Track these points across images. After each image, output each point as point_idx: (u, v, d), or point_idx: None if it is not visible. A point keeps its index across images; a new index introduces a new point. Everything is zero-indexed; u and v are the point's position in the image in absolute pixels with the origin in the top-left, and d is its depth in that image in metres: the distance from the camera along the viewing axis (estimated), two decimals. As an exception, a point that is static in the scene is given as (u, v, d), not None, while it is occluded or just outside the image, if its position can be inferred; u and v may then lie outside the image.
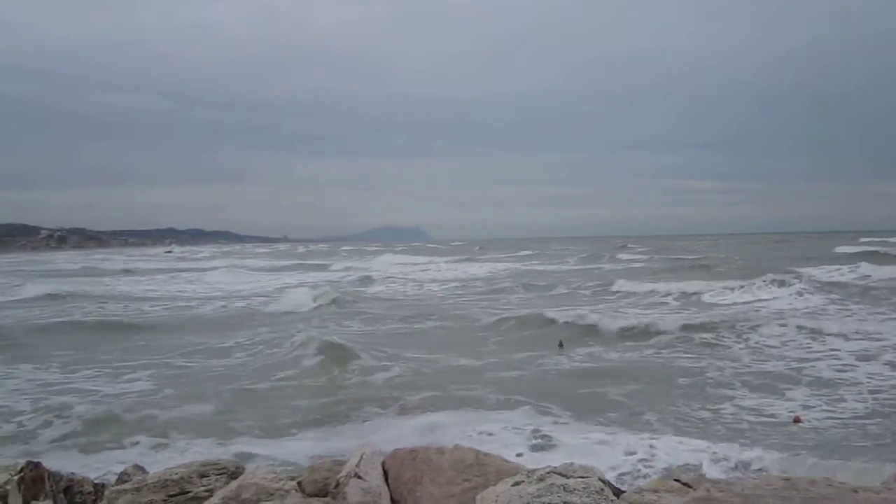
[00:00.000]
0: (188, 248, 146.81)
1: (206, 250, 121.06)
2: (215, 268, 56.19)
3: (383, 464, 4.78)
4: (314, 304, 25.30)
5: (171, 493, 4.86)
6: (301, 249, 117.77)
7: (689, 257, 47.00)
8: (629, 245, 75.53)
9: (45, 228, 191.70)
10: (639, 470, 7.28)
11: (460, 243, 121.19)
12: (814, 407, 9.77)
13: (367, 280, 40.41)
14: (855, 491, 3.73)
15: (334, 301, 25.78)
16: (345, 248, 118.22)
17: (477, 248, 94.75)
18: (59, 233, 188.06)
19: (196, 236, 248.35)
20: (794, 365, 12.63)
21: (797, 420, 9.38)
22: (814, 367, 12.46)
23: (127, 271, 57.12)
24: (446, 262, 54.33)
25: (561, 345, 12.19)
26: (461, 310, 23.90)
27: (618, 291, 27.37)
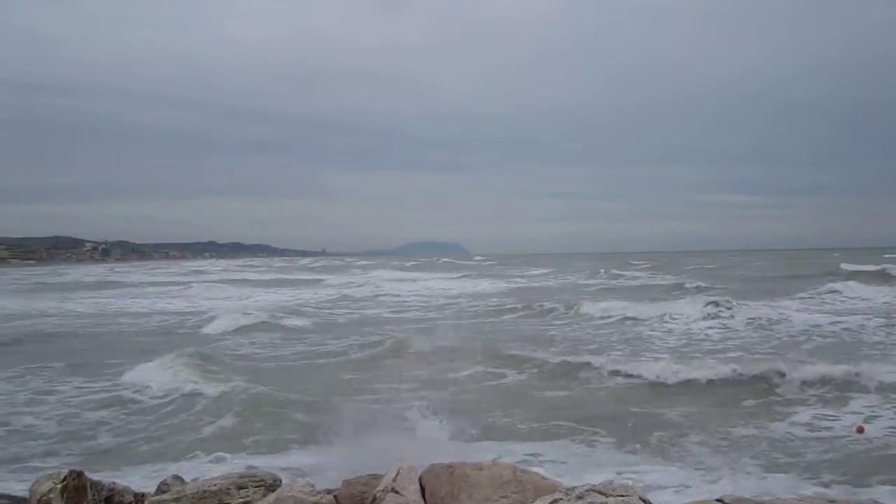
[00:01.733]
0: (226, 261, 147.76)
1: (222, 263, 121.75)
2: (201, 282, 54.59)
3: (420, 479, 4.80)
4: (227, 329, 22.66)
5: (209, 504, 4.92)
6: (322, 262, 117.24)
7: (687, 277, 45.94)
8: (634, 262, 74.23)
9: (90, 241, 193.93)
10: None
11: (490, 261, 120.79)
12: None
13: (342, 299, 36.81)
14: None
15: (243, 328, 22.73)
16: (375, 261, 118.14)
17: (494, 264, 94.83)
18: (103, 245, 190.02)
19: (236, 249, 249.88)
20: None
21: (860, 430, 9.14)
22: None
23: (122, 283, 55.08)
24: (439, 280, 52.57)
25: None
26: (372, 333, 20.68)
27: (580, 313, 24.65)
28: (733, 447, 8.51)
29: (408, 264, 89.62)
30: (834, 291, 27.64)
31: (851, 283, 29.62)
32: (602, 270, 57.11)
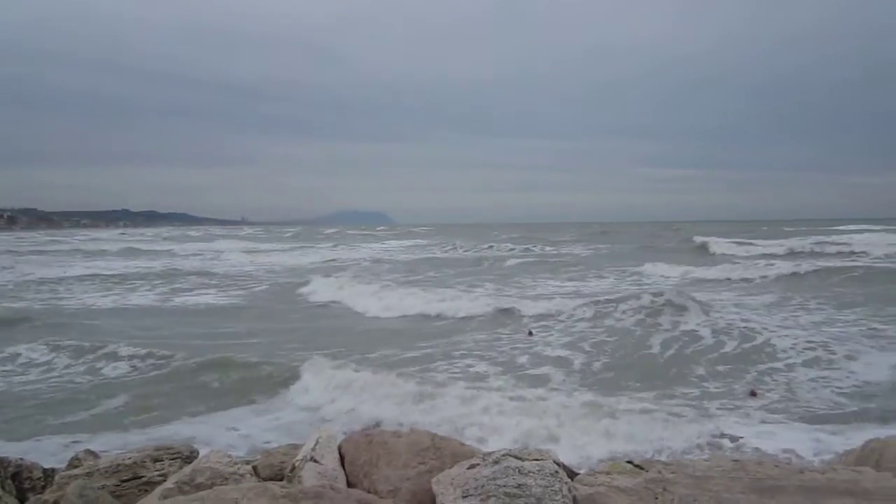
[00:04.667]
0: (140, 229, 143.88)
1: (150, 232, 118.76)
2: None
3: (339, 448, 4.78)
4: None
5: (124, 477, 4.79)
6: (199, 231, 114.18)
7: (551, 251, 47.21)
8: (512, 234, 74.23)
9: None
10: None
11: (427, 228, 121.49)
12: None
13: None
14: (801, 472, 3.83)
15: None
16: (288, 231, 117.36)
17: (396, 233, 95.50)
18: (8, 213, 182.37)
19: (151, 218, 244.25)
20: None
21: (753, 393, 9.46)
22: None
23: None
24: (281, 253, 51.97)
25: (531, 333, 11.75)
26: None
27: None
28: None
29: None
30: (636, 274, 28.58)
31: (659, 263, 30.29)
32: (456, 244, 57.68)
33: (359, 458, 4.65)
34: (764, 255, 35.91)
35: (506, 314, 16.80)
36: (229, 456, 4.90)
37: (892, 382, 9.63)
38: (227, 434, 8.52)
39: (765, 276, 24.50)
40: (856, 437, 6.18)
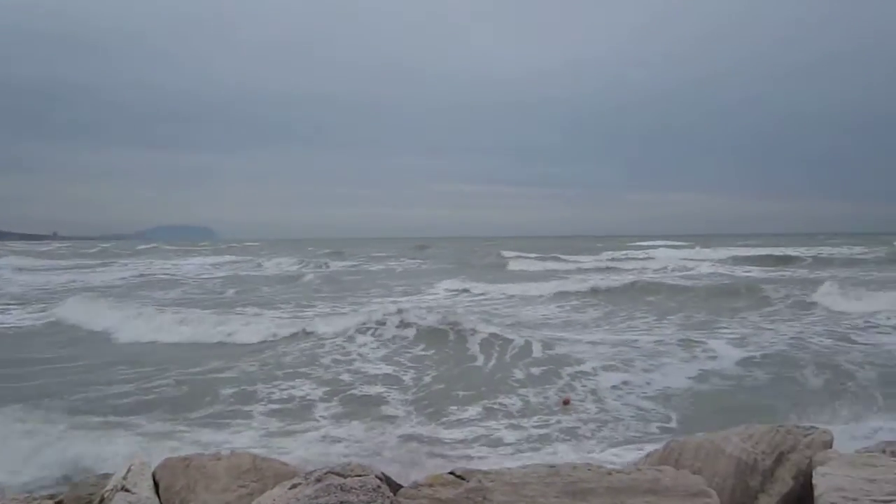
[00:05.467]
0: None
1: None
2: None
3: (154, 474, 4.55)
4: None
5: None
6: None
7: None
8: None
9: None
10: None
11: (253, 243, 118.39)
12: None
13: None
14: (609, 473, 4.05)
15: None
16: (99, 246, 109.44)
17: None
18: None
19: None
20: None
21: (566, 402, 9.89)
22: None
23: None
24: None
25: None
26: None
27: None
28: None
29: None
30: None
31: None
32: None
33: (175, 484, 4.45)
34: (571, 271, 38.33)
35: (295, 338, 15.07)
36: (28, 493, 4.54)
37: (690, 389, 10.39)
38: None
39: (565, 291, 24.57)
40: (659, 439, 6.63)
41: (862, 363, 11.77)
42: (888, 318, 16.15)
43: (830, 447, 4.72)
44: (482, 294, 25.92)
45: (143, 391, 10.67)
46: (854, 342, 13.91)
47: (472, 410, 9.53)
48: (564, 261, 47.71)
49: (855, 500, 3.64)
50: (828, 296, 19.27)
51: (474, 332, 14.26)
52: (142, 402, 9.97)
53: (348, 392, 10.56)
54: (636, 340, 14.73)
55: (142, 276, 41.21)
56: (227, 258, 60.53)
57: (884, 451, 4.79)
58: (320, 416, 9.32)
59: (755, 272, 36.39)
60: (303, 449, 7.70)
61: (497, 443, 8.05)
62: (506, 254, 53.08)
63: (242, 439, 8.14)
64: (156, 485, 4.49)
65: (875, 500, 3.60)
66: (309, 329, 15.64)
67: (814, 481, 3.95)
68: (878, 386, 10.44)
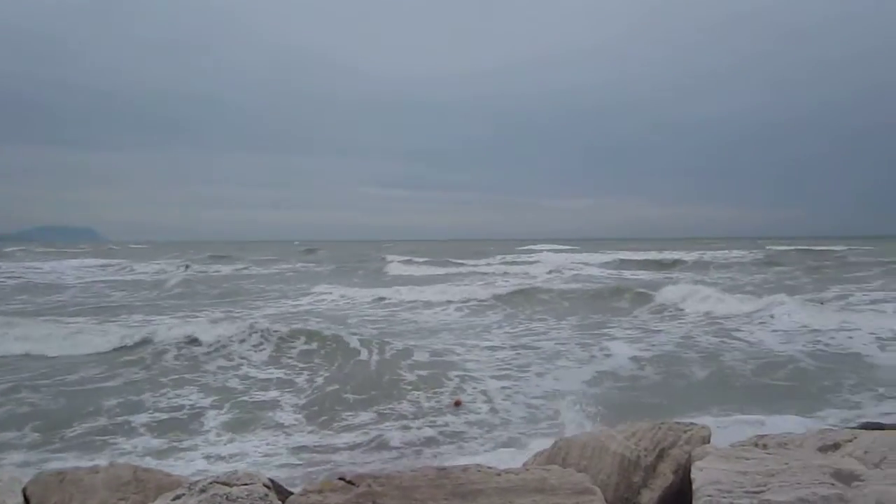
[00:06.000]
0: None
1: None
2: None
3: (25, 490, 4.30)
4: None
5: None
6: None
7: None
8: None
9: None
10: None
11: (139, 246, 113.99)
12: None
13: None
14: (499, 474, 4.09)
15: None
16: None
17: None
18: None
19: None
20: None
21: (457, 403, 9.97)
22: None
23: None
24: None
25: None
26: None
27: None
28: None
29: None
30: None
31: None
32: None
33: (48, 500, 4.22)
34: (457, 274, 38.96)
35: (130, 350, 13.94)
36: None
37: (581, 389, 10.68)
38: None
39: (451, 301, 23.66)
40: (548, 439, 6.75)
41: (741, 360, 12.43)
42: (767, 317, 17.10)
43: (708, 442, 4.92)
44: (350, 298, 25.66)
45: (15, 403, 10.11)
46: (734, 339, 14.66)
47: (364, 416, 9.49)
48: (456, 264, 48.53)
49: (729, 491, 3.81)
50: (708, 298, 20.17)
51: (339, 338, 14.18)
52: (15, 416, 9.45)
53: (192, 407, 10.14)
54: (522, 343, 15.06)
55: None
56: (99, 261, 56.58)
57: (756, 445, 5.04)
58: (211, 427, 9.08)
59: (642, 275, 37.78)
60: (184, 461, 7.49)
61: (386, 446, 8.05)
62: (390, 258, 53.38)
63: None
64: (27, 501, 4.25)
65: (747, 492, 3.78)
66: (151, 337, 14.57)
67: (692, 475, 4.11)
68: (753, 381, 11.05)
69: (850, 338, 14.04)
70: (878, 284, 27.21)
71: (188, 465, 7.27)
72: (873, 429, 5.82)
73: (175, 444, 8.30)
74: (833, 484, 3.72)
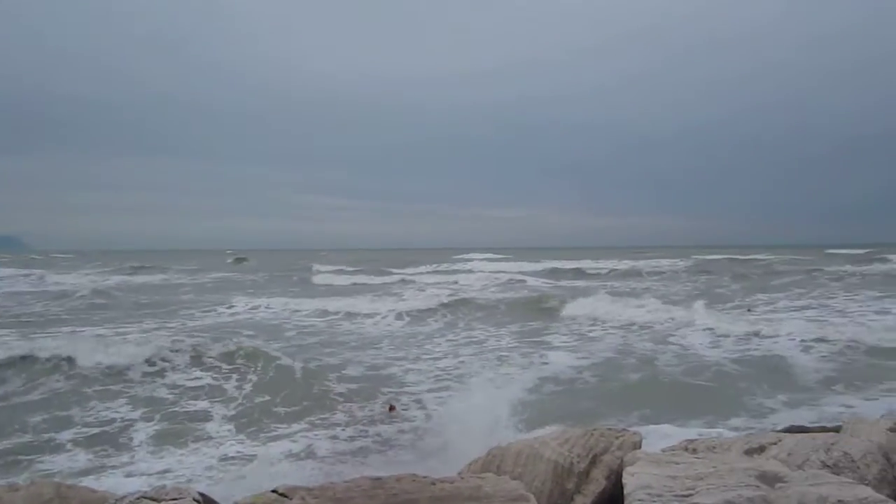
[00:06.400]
0: None
1: None
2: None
3: (-61, 510, 4.11)
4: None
5: None
6: None
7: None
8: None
9: None
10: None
11: (65, 255, 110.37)
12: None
13: None
14: (433, 483, 4.09)
15: None
16: None
17: None
18: None
19: None
20: None
21: (391, 409, 9.93)
22: None
23: None
24: None
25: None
26: None
27: None
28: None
29: None
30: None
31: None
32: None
33: (-36, 520, 4.05)
34: (383, 284, 38.84)
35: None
36: None
37: (517, 396, 10.73)
38: None
39: (386, 314, 22.89)
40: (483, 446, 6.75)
41: (670, 366, 12.71)
42: (694, 324, 17.48)
43: (640, 447, 5.02)
44: (274, 308, 25.20)
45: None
46: (663, 345, 14.96)
47: (296, 426, 9.36)
48: (389, 273, 48.36)
49: (659, 495, 3.88)
50: (637, 307, 20.60)
51: (265, 353, 13.75)
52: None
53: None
54: (456, 351, 15.12)
55: None
56: (17, 271, 54.21)
57: (686, 449, 5.16)
58: (140, 441, 8.82)
59: (577, 283, 38.28)
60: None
61: (319, 456, 7.95)
62: (320, 268, 53.11)
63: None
64: (-58, 522, 4.07)
65: (676, 495, 3.85)
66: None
67: (624, 480, 4.18)
68: (682, 386, 11.30)
69: (775, 342, 14.47)
70: (802, 292, 28.17)
71: (115, 482, 7.04)
72: (797, 432, 6.02)
73: (103, 459, 8.04)
74: (758, 486, 3.82)
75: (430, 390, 11.38)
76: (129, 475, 7.46)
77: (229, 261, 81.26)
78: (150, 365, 12.68)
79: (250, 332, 17.62)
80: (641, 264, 54.02)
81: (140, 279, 46.69)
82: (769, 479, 3.91)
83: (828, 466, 4.52)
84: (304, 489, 3.97)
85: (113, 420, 9.75)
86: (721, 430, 8.51)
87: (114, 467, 7.77)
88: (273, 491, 3.97)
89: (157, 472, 7.51)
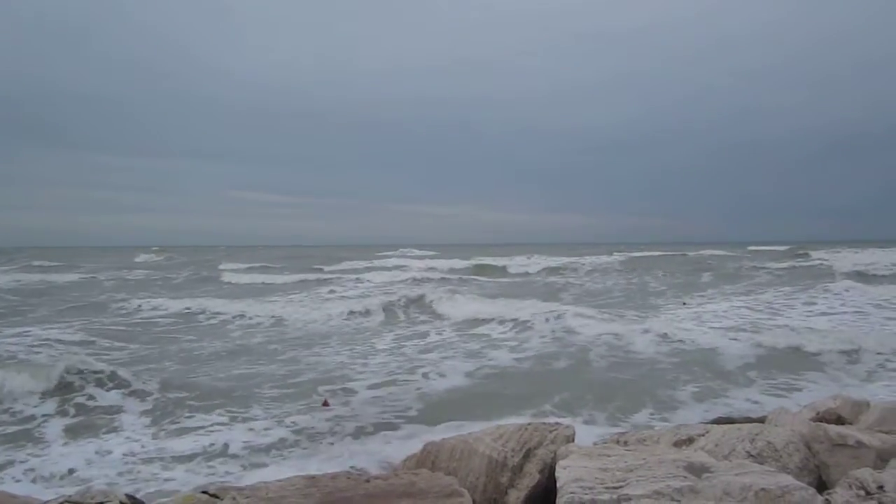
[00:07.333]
0: None
1: None
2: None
3: None
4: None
5: None
6: None
7: None
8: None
9: None
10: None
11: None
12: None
13: None
14: (367, 480, 4.08)
15: None
16: None
17: None
18: None
19: None
20: None
21: (325, 404, 9.88)
22: None
23: None
24: None
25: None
26: None
27: None
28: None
29: None
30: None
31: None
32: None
33: None
34: (292, 283, 37.54)
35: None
36: None
37: (453, 390, 10.80)
38: None
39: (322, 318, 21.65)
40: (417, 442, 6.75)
41: (602, 361, 12.93)
42: (627, 319, 17.82)
43: (573, 441, 5.10)
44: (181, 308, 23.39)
45: None
46: (595, 342, 15.16)
47: (219, 419, 9.20)
48: (315, 269, 47.32)
49: (591, 488, 3.95)
50: (567, 306, 20.77)
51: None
52: None
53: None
54: (394, 347, 15.11)
55: None
56: None
57: (617, 442, 5.26)
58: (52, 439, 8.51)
59: (501, 280, 38.65)
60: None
61: (251, 455, 7.84)
62: (222, 266, 51.91)
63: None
64: None
65: (607, 487, 3.93)
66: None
67: (556, 474, 4.24)
68: (613, 381, 11.51)
69: (705, 334, 14.86)
70: (738, 287, 28.99)
71: (28, 486, 6.80)
72: (724, 423, 6.20)
73: (10, 458, 7.74)
74: (686, 476, 3.92)
75: (367, 382, 11.32)
76: (48, 476, 7.23)
77: (138, 259, 78.60)
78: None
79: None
80: (575, 260, 54.36)
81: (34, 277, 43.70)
82: (697, 470, 4.02)
83: (752, 456, 4.67)
84: (235, 489, 3.92)
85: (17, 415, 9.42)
86: (651, 422, 8.72)
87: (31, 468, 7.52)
88: (203, 492, 3.91)
89: (70, 471, 7.30)
